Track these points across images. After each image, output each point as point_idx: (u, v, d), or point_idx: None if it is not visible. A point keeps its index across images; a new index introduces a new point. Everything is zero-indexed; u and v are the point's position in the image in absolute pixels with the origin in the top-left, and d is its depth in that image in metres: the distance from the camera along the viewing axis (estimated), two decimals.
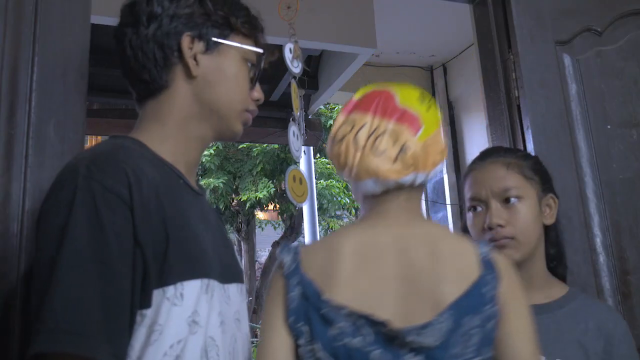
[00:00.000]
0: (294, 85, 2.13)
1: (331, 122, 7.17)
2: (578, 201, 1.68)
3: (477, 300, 0.93)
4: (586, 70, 1.80)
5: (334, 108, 7.32)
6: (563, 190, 1.68)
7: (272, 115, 4.12)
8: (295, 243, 1.17)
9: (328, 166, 7.08)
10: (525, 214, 1.23)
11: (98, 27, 2.95)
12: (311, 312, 0.94)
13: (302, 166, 4.48)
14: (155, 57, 0.96)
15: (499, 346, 0.94)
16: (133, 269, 0.78)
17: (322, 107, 6.67)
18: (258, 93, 1.04)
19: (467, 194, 1.29)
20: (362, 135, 0.99)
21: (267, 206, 7.63)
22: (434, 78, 4.97)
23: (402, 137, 0.98)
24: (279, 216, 8.13)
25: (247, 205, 7.02)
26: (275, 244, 7.67)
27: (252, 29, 1.02)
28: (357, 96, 1.04)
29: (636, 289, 1.65)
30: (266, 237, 9.41)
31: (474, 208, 1.27)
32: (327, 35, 3.32)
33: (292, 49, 2.10)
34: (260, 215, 9.43)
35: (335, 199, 7.06)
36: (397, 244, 0.98)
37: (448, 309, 0.91)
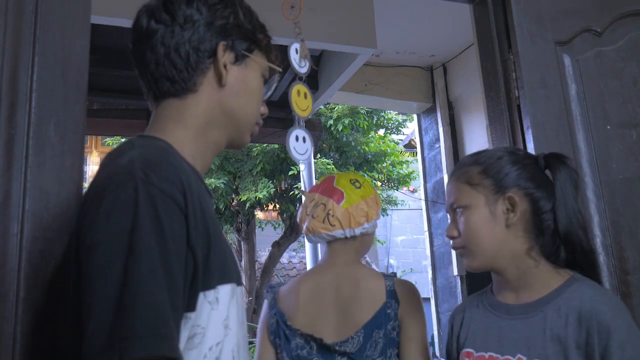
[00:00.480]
0: (298, 87, 2.11)
1: (331, 122, 7.17)
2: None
3: (382, 319, 1.48)
4: (586, 70, 1.80)
5: (334, 108, 7.32)
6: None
7: (272, 115, 4.12)
8: (275, 284, 1.69)
9: (328, 166, 7.08)
10: (470, 222, 1.24)
11: (98, 27, 2.95)
12: (281, 332, 1.55)
13: (302, 166, 4.48)
14: (189, 59, 0.98)
15: (400, 348, 1.48)
16: (185, 274, 0.80)
17: (322, 107, 6.68)
18: (264, 108, 1.09)
19: None
20: (310, 206, 1.61)
21: (267, 206, 7.63)
22: (434, 78, 4.98)
23: (328, 205, 1.57)
24: (279, 216, 8.13)
25: (247, 205, 7.02)
26: (275, 244, 7.67)
27: (270, 47, 1.08)
28: (319, 181, 1.68)
29: (636, 289, 1.65)
30: (266, 237, 9.41)
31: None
32: (327, 35, 3.32)
33: (297, 49, 2.08)
34: (260, 215, 9.43)
35: None
36: (334, 282, 1.55)
37: (362, 328, 1.48)
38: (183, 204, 0.81)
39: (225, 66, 0.99)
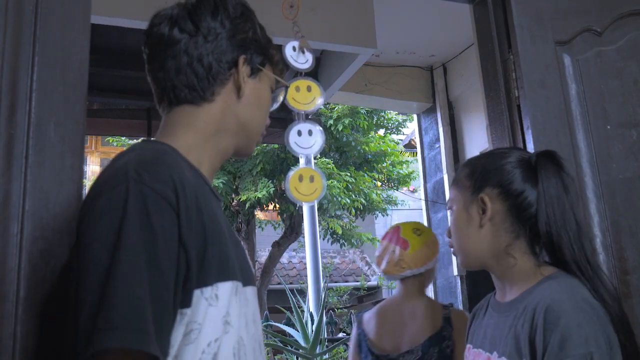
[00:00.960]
0: (297, 83, 2.11)
1: (331, 122, 7.17)
2: (578, 201, 1.68)
3: (438, 339, 1.95)
4: (586, 70, 1.80)
5: (334, 108, 7.32)
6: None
7: (272, 115, 4.11)
8: (363, 310, 2.22)
9: (328, 166, 7.08)
10: (453, 223, 1.29)
11: (98, 27, 2.96)
12: (363, 348, 2.07)
13: (302, 165, 4.48)
14: (210, 70, 1.01)
15: None
16: (177, 270, 0.82)
17: (322, 107, 6.67)
18: (268, 120, 1.15)
19: None
20: (383, 252, 2.10)
21: (267, 206, 7.62)
22: (434, 78, 4.97)
23: (397, 252, 2.05)
24: (279, 216, 8.13)
25: (247, 205, 7.01)
26: (275, 244, 7.67)
27: (279, 61, 1.13)
28: (388, 230, 2.16)
29: (636, 289, 1.65)
30: (266, 237, 9.40)
31: None
32: (327, 35, 3.32)
33: (295, 47, 2.08)
34: (260, 215, 9.43)
35: (335, 199, 7.06)
36: (404, 309, 2.05)
37: (421, 345, 1.95)
38: (175, 202, 0.83)
39: (243, 79, 1.04)
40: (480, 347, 1.25)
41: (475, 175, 1.25)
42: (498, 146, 1.85)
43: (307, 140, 2.11)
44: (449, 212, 1.33)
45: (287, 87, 1.16)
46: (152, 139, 1.02)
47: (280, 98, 1.16)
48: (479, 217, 1.23)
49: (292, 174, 2.06)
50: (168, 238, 0.81)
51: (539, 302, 1.10)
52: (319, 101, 2.16)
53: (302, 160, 4.11)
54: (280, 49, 1.18)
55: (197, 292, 0.84)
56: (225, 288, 0.87)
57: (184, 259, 0.82)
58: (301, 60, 2.08)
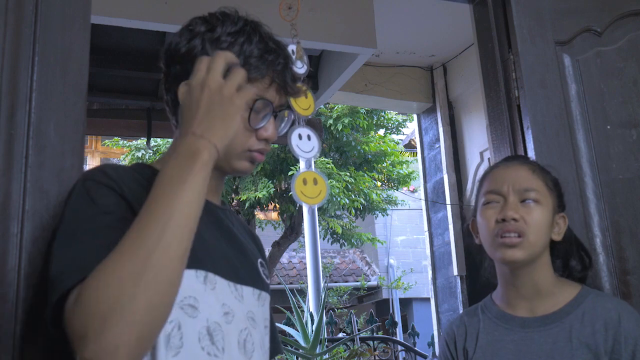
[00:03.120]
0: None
1: (331, 121, 7.17)
2: (578, 201, 1.68)
3: None
4: (586, 70, 1.80)
5: (334, 108, 7.32)
6: (563, 190, 1.68)
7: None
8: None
9: (328, 166, 7.08)
10: (539, 216, 1.25)
11: (98, 27, 2.95)
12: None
13: (302, 166, 4.48)
14: (169, 101, 1.03)
15: None
16: (118, 201, 0.88)
17: (322, 107, 6.67)
18: (267, 132, 1.02)
19: (485, 189, 1.31)
20: None
21: (267, 206, 7.62)
22: (434, 78, 4.97)
23: None
24: (279, 216, 8.13)
25: (247, 205, 7.01)
26: (275, 244, 7.67)
27: (262, 74, 0.99)
28: None
29: (636, 289, 1.65)
30: (266, 237, 9.40)
31: (489, 202, 1.28)
32: (327, 35, 3.32)
33: (294, 51, 2.09)
34: (260, 215, 9.43)
35: (335, 199, 7.06)
36: None
37: None
38: (117, 188, 0.89)
39: None
40: None
41: (559, 191, 1.34)
42: (498, 146, 1.85)
43: (306, 144, 2.12)
44: (527, 199, 1.25)
45: (264, 100, 1.00)
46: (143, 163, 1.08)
47: (265, 114, 1.01)
48: (554, 229, 1.30)
49: (296, 178, 2.06)
50: (111, 206, 0.87)
51: (608, 314, 1.19)
52: (315, 108, 2.19)
53: (302, 163, 4.11)
54: (264, 58, 1.01)
55: None
56: (187, 275, 0.87)
57: (130, 213, 0.86)
58: (298, 65, 2.08)
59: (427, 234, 5.08)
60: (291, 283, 9.98)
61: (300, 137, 2.10)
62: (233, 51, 0.97)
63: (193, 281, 0.90)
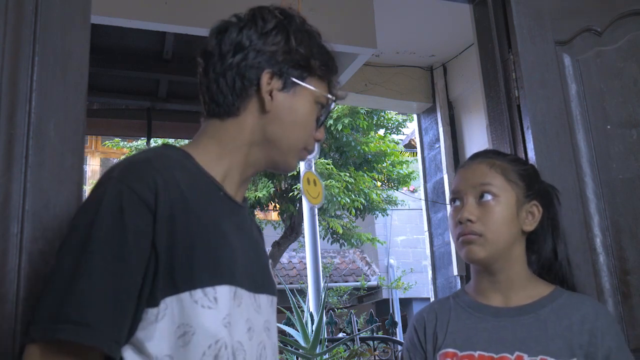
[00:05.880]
0: None
1: (331, 122, 7.17)
2: (578, 201, 1.68)
3: None
4: (586, 70, 1.80)
5: (334, 108, 7.31)
6: (563, 190, 1.68)
7: None
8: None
9: (328, 166, 7.08)
10: (497, 213, 1.24)
11: (98, 27, 2.95)
12: None
13: (302, 166, 4.48)
14: (234, 86, 1.01)
15: None
16: (146, 267, 0.85)
17: None
18: (321, 134, 1.09)
19: (450, 189, 1.34)
20: None
21: (267, 206, 7.63)
22: (434, 78, 4.97)
23: None
24: (279, 216, 8.13)
25: (247, 203, 7.02)
26: (275, 244, 7.67)
27: (328, 73, 1.08)
28: None
29: (636, 289, 1.65)
30: (266, 237, 9.35)
31: (453, 201, 1.30)
32: (327, 35, 3.31)
33: None
34: (260, 215, 9.42)
35: (335, 199, 7.06)
36: None
37: None
38: (153, 204, 0.86)
39: (271, 93, 1.01)
40: (484, 349, 1.21)
41: (529, 180, 1.30)
42: (498, 146, 1.85)
43: None
44: (483, 195, 1.25)
45: (335, 99, 1.09)
46: (171, 145, 1.04)
47: (329, 111, 1.10)
48: (524, 219, 1.28)
49: (302, 179, 2.07)
50: (140, 235, 0.84)
51: (585, 310, 1.21)
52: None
53: (302, 163, 4.11)
54: (332, 60, 1.12)
55: (184, 295, 0.85)
56: (223, 291, 0.88)
57: (153, 260, 0.85)
58: None
59: (427, 234, 5.08)
60: (291, 283, 9.98)
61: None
62: (310, 50, 1.04)
63: (228, 298, 0.89)
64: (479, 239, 1.23)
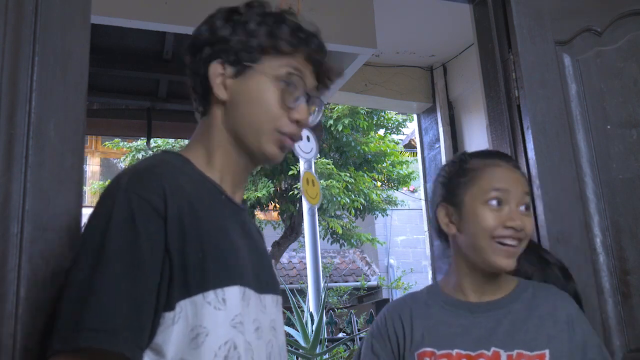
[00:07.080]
0: None
1: (331, 122, 7.17)
2: (578, 201, 1.68)
3: None
4: (586, 70, 1.80)
5: (334, 108, 7.32)
6: (563, 190, 1.68)
7: None
8: None
9: (328, 166, 7.08)
10: (532, 223, 1.28)
11: (98, 27, 2.95)
12: None
13: (302, 166, 4.48)
14: (194, 85, 1.03)
15: None
16: (161, 273, 0.85)
17: None
18: (299, 114, 1.00)
19: (492, 184, 1.22)
20: None
21: (267, 206, 7.62)
22: (434, 78, 4.97)
23: None
24: (279, 216, 8.13)
25: (247, 204, 7.02)
26: (275, 244, 7.67)
27: (297, 46, 1.01)
28: None
29: (636, 289, 1.65)
30: (266, 237, 9.36)
31: (496, 201, 1.21)
32: (327, 35, 3.31)
33: None
34: (260, 215, 9.42)
35: (335, 199, 7.06)
36: None
37: None
38: (162, 209, 0.86)
39: (225, 82, 1.00)
40: (462, 347, 1.21)
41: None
42: (498, 146, 1.85)
43: (306, 145, 2.12)
44: (524, 209, 1.22)
45: (297, 70, 1.00)
46: (171, 150, 1.05)
47: (298, 88, 1.00)
48: None
49: (302, 178, 2.08)
50: (153, 240, 0.85)
51: (556, 301, 1.24)
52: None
53: (302, 163, 4.11)
54: (305, 32, 1.04)
55: (197, 298, 0.86)
56: (233, 292, 0.88)
57: (168, 264, 0.85)
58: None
59: (427, 234, 5.08)
60: (291, 283, 9.98)
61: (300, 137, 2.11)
62: (262, 30, 0.99)
63: (238, 298, 0.90)
64: (519, 249, 1.22)
